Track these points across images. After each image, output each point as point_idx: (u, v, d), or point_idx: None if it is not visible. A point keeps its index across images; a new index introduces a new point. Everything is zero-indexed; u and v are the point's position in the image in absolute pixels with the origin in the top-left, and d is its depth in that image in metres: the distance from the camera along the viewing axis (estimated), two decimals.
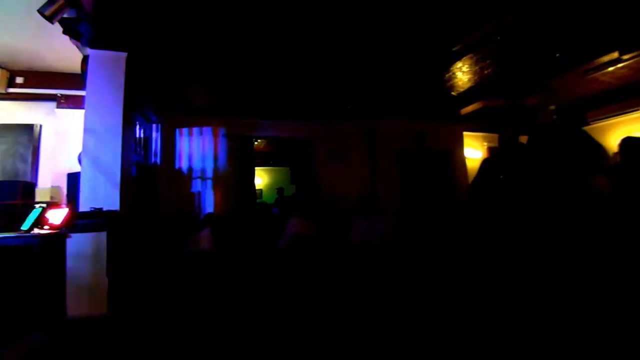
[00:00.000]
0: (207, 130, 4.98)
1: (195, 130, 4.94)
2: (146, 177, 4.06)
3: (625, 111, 5.32)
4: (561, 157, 1.53)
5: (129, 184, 2.98)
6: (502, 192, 2.68)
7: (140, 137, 4.05)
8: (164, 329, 2.23)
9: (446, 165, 5.58)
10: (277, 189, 7.48)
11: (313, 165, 5.30)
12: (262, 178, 8.97)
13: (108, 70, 2.88)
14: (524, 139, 2.00)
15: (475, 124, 5.93)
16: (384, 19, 2.90)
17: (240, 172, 4.96)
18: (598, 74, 4.42)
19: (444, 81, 4.48)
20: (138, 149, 3.97)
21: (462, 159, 5.68)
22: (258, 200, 7.57)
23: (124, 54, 2.94)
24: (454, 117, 5.53)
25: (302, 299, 2.74)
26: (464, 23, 2.90)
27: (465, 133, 5.84)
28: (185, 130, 4.89)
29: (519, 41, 3.41)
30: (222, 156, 4.98)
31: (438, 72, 4.15)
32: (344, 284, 3.11)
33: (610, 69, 4.17)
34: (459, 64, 3.94)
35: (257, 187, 8.51)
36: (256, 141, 5.84)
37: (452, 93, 4.89)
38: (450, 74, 4.27)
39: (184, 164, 4.86)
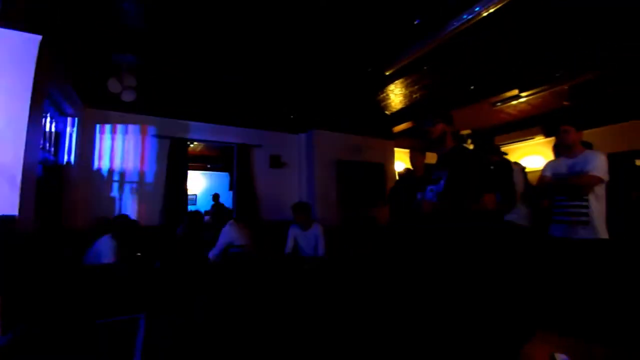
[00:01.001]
0: (134, 128, 4.61)
1: (120, 127, 4.53)
2: (55, 178, 3.60)
3: (523, 139, 6.37)
4: (454, 174, 1.78)
5: (31, 185, 2.62)
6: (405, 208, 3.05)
7: (50, 132, 3.59)
8: (66, 353, 1.99)
9: (379, 178, 5.98)
10: (213, 195, 7.19)
11: (252, 172, 5.24)
12: (198, 183, 8.52)
13: (16, 53, 2.53)
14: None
15: (406, 141, 6.53)
16: (326, 38, 3.06)
17: (171, 176, 4.67)
18: (504, 106, 5.25)
19: (379, 101, 4.85)
20: (47, 145, 3.51)
21: (393, 173, 6.16)
22: (192, 207, 7.19)
23: (38, 37, 2.62)
24: (387, 133, 6.03)
25: (225, 316, 2.60)
26: (396, 50, 3.21)
27: (396, 149, 6.35)
28: (108, 127, 4.46)
29: (441, 72, 3.90)
30: (150, 158, 4.65)
31: (373, 92, 4.49)
32: (275, 295, 3.11)
33: (514, 102, 4.99)
34: (391, 87, 4.33)
35: (192, 193, 8.11)
36: (191, 144, 5.58)
37: (386, 112, 5.33)
38: (385, 94, 4.66)
39: (103, 165, 4.41)
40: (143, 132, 4.65)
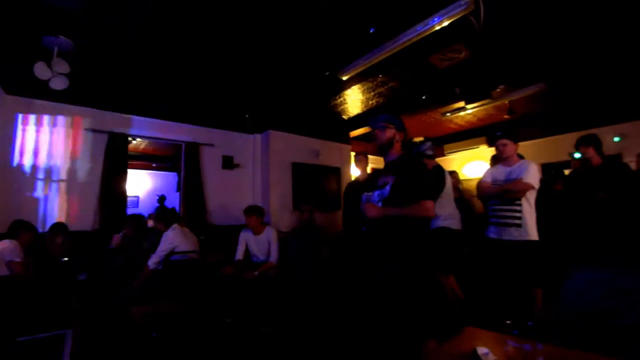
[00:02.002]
0: (65, 120, 4.13)
1: (47, 118, 4.03)
2: None
3: (469, 147, 6.86)
4: (400, 181, 1.85)
5: None
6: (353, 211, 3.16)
7: None
8: None
9: (336, 181, 6.04)
10: (158, 197, 6.73)
11: (202, 173, 4.98)
12: (142, 184, 7.89)
13: None
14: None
15: (363, 146, 6.68)
16: (284, 38, 3.01)
17: (108, 175, 4.25)
18: (453, 117, 5.61)
19: (336, 105, 4.90)
20: None
21: (350, 177, 6.27)
22: (133, 210, 6.65)
23: None
24: (344, 137, 6.13)
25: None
26: (352, 56, 3.25)
27: (353, 153, 6.47)
28: (32, 118, 3.94)
29: (395, 80, 4.05)
30: (84, 155, 4.20)
31: (330, 95, 4.52)
32: (222, 304, 2.97)
33: (461, 114, 5.35)
34: (348, 92, 4.40)
35: (133, 195, 7.48)
36: (133, 140, 5.16)
37: (344, 116, 5.41)
38: (342, 99, 4.71)
39: (26, 161, 3.89)
40: (76, 125, 4.18)
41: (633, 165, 3.44)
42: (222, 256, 3.90)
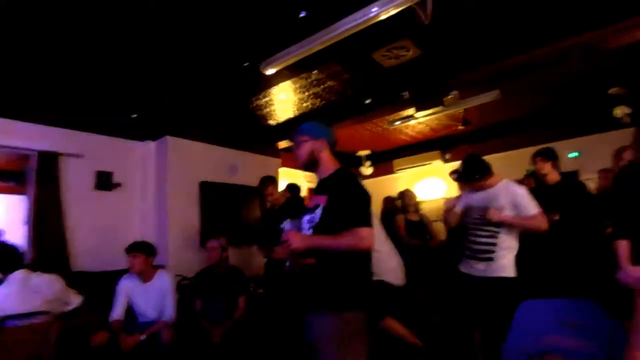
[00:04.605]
0: None
1: None
2: None
3: (422, 163, 7.39)
4: (332, 203, 1.92)
5: None
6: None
7: None
8: None
9: (261, 206, 5.94)
10: None
11: (63, 196, 4.49)
12: None
13: None
14: None
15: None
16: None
17: None
18: (402, 126, 6.02)
19: (260, 106, 4.90)
20: None
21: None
22: None
23: None
24: (271, 149, 6.13)
25: None
26: (277, 45, 3.31)
27: (283, 169, 6.50)
28: None
29: (334, 78, 4.23)
30: None
31: (252, 93, 4.52)
32: None
33: (411, 123, 5.77)
34: (275, 90, 4.44)
35: None
36: None
37: (271, 122, 5.43)
38: (268, 99, 4.74)
39: None
40: None
41: (593, 183, 4.01)
42: (92, 317, 3.50)
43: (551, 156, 3.35)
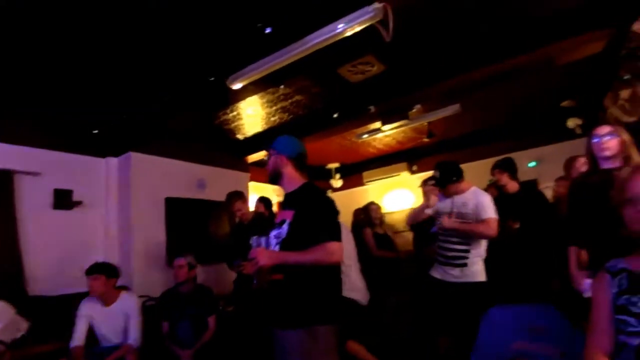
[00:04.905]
0: None
1: None
2: None
3: (391, 175, 7.53)
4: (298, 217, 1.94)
5: None
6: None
7: None
8: None
9: (230, 221, 5.86)
10: None
11: (18, 216, 4.27)
12: None
13: None
14: None
15: (265, 174, 6.72)
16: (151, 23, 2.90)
17: None
18: (370, 139, 6.14)
19: (228, 121, 4.88)
20: None
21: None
22: None
23: None
24: (240, 163, 6.09)
25: None
26: (243, 60, 3.32)
27: (252, 183, 6.45)
28: None
29: (302, 93, 4.27)
30: None
31: (219, 108, 4.49)
32: None
33: (379, 136, 5.89)
34: (243, 105, 4.44)
35: None
36: None
37: (239, 136, 5.40)
38: (235, 113, 4.72)
39: None
40: None
41: (550, 191, 4.21)
42: (51, 346, 3.43)
43: (508, 167, 3.52)
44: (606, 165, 2.21)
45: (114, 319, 3.25)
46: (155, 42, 3.12)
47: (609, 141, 2.18)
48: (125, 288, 3.65)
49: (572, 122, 5.33)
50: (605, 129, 2.22)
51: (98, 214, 4.97)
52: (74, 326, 3.20)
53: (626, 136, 2.21)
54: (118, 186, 5.06)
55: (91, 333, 3.28)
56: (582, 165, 2.97)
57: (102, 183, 5.05)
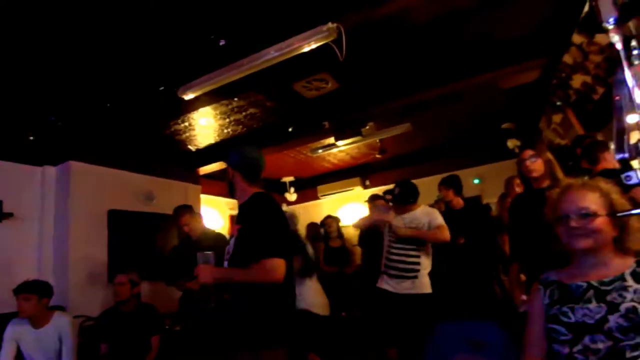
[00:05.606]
0: None
1: None
2: None
3: (345, 189, 7.66)
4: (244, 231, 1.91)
5: None
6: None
7: None
8: None
9: (180, 236, 5.66)
10: None
11: None
12: None
13: None
14: None
15: (217, 186, 6.59)
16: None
17: None
18: (324, 154, 6.22)
19: (179, 131, 4.75)
20: None
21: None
22: None
23: None
24: (191, 175, 5.95)
25: None
26: (195, 70, 3.28)
27: (204, 196, 6.31)
28: None
29: (256, 106, 4.27)
30: None
31: (169, 117, 4.38)
32: None
33: (333, 151, 5.99)
34: (195, 115, 4.35)
35: None
36: None
37: (190, 147, 5.28)
38: (187, 124, 4.61)
39: None
40: None
41: (493, 206, 4.47)
42: None
43: (453, 184, 3.73)
44: (537, 185, 2.41)
45: (45, 341, 3.06)
46: (102, 45, 2.99)
47: (533, 163, 2.38)
48: (60, 308, 3.42)
49: (511, 143, 5.71)
50: (528, 153, 2.44)
51: (32, 227, 4.65)
52: (1, 349, 3.01)
53: (548, 156, 2.45)
54: (55, 197, 4.78)
55: (20, 357, 3.07)
56: (518, 185, 3.22)
57: (37, 194, 4.74)
